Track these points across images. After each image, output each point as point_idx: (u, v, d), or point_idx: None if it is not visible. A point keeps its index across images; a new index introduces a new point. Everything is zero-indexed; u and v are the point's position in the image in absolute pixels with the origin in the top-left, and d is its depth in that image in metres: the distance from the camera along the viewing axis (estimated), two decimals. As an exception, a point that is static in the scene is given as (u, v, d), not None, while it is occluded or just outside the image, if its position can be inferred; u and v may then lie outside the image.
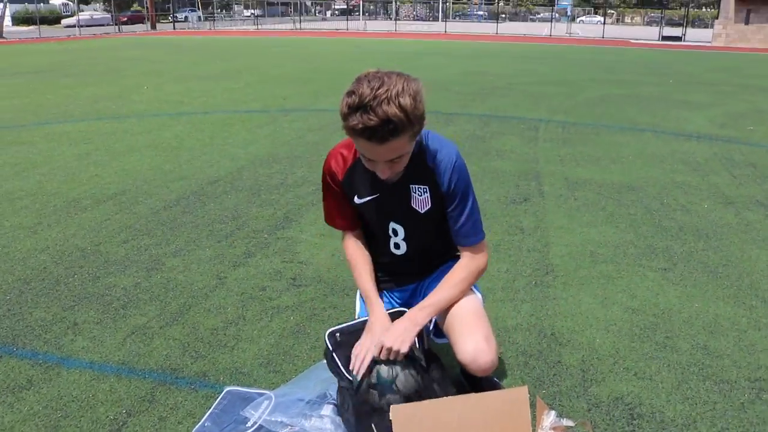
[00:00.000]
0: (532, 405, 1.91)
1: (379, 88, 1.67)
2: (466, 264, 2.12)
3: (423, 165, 2.01)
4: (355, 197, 2.12)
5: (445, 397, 1.86)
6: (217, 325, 2.95)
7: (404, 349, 1.92)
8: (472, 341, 1.95)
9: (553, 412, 1.76)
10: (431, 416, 1.83)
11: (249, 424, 2.16)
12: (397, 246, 2.18)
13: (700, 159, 6.09)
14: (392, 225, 2.14)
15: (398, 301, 2.34)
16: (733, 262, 3.67)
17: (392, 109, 1.67)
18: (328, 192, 2.18)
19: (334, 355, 2.03)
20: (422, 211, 2.07)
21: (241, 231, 4.13)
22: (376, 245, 2.23)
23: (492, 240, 3.98)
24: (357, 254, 2.23)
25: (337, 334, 2.06)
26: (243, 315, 3.05)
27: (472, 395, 1.86)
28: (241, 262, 3.65)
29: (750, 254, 3.78)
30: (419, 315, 2.01)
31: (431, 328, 2.26)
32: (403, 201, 2.07)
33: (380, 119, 1.67)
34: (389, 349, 1.92)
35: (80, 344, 2.79)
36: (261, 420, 2.17)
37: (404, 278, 2.31)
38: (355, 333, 2.05)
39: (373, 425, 1.92)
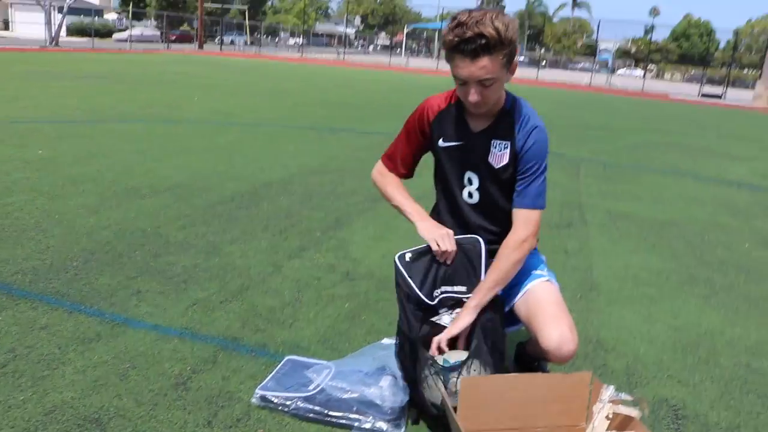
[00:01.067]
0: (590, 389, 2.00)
1: (477, 13, 1.89)
2: (520, 236, 2.17)
3: (510, 123, 2.15)
4: (441, 140, 2.25)
5: (512, 373, 1.97)
6: (275, 305, 3.08)
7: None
8: (558, 330, 2.04)
9: (611, 387, 1.85)
10: (497, 390, 1.94)
11: (311, 387, 2.28)
12: (470, 195, 2.28)
13: (741, 204, 6.15)
14: (468, 174, 2.25)
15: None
16: (775, 296, 3.73)
17: (487, 28, 1.86)
18: (407, 135, 2.32)
19: (405, 275, 2.16)
20: (497, 166, 2.19)
21: (294, 228, 4.28)
22: (452, 194, 2.32)
23: (536, 257, 4.08)
24: (395, 180, 2.38)
25: (408, 255, 2.19)
26: (299, 299, 3.18)
27: (539, 374, 1.97)
28: (295, 254, 3.80)
29: (792, 291, 3.84)
30: (478, 299, 2.13)
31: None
32: (482, 153, 2.20)
33: (474, 33, 1.87)
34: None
35: (144, 309, 2.94)
36: (323, 384, 2.28)
37: (471, 230, 2.34)
38: (424, 254, 2.20)
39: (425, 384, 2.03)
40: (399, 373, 2.25)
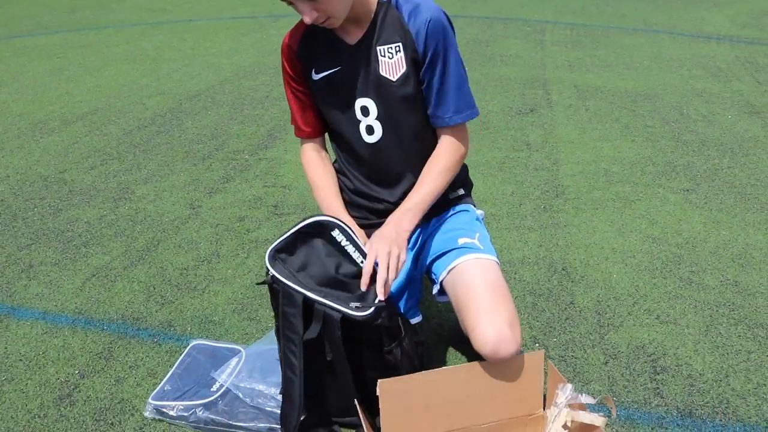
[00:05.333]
0: (546, 372, 1.61)
1: None
2: (448, 149, 1.77)
3: (394, 18, 1.65)
4: (313, 72, 1.74)
5: (444, 367, 1.56)
6: (188, 264, 2.64)
7: (403, 256, 1.62)
8: (493, 328, 1.57)
9: (569, 386, 1.45)
10: (425, 389, 1.54)
11: (214, 388, 1.88)
12: (370, 130, 1.77)
13: (721, 63, 5.61)
14: (360, 102, 1.74)
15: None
16: (763, 181, 3.30)
17: None
18: (290, 88, 1.82)
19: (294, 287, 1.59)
20: (394, 78, 1.68)
21: (219, 152, 3.76)
22: (346, 139, 1.83)
23: (496, 157, 3.61)
24: (319, 170, 1.90)
25: (282, 255, 1.62)
26: (217, 251, 2.73)
27: (477, 363, 1.56)
28: (218, 187, 3.31)
29: (781, 170, 3.42)
30: (403, 220, 1.68)
31: (437, 287, 1.86)
32: (369, 68, 1.69)
33: None
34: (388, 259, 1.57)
35: (34, 290, 2.49)
36: (228, 382, 1.88)
37: (385, 198, 1.86)
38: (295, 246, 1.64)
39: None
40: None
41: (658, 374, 1.98)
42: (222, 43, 6.61)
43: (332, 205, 1.84)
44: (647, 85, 4.98)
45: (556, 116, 4.30)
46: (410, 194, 1.74)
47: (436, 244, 1.86)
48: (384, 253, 1.56)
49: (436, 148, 1.78)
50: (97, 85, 5.16)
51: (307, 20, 1.51)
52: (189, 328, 2.24)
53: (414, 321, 1.89)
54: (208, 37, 6.86)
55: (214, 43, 6.58)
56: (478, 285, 1.67)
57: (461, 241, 1.80)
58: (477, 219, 1.93)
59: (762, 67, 5.45)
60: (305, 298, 1.55)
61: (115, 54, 6.21)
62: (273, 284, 1.62)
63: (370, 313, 1.53)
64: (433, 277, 1.88)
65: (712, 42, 6.39)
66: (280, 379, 1.86)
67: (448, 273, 1.76)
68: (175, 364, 2.02)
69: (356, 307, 1.54)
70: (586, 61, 5.71)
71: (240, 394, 1.84)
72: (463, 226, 1.86)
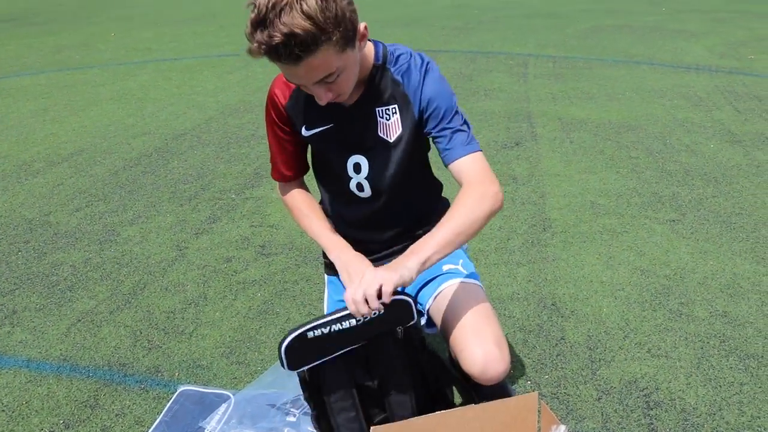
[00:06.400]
0: (539, 412, 1.59)
1: None
2: (474, 187, 1.58)
3: (390, 80, 1.64)
4: (303, 128, 1.71)
5: (435, 413, 1.53)
6: (175, 307, 2.61)
7: (390, 286, 1.45)
8: (481, 348, 1.58)
9: (562, 428, 1.43)
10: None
11: (203, 436, 1.84)
12: (360, 187, 1.75)
13: (701, 93, 5.70)
14: (354, 159, 1.72)
15: None
16: (747, 210, 3.33)
17: (295, 19, 1.29)
18: (273, 133, 1.78)
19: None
20: (391, 139, 1.67)
21: (206, 192, 3.75)
22: (337, 190, 1.81)
23: (482, 193, 3.62)
24: (301, 197, 1.85)
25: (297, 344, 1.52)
26: (204, 293, 2.70)
27: (470, 407, 1.54)
28: (204, 228, 3.29)
29: (764, 200, 3.44)
30: (407, 262, 1.49)
31: (424, 319, 1.86)
32: (368, 129, 1.67)
33: (283, 35, 1.29)
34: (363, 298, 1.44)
35: (18, 337, 2.45)
36: (217, 431, 1.84)
37: (374, 240, 1.86)
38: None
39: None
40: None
41: (652, 409, 1.96)
42: (207, 81, 6.64)
43: (320, 226, 1.78)
44: (630, 116, 5.03)
45: (541, 149, 4.33)
46: (423, 238, 1.57)
47: (420, 276, 1.86)
48: (357, 299, 1.44)
49: (464, 185, 1.62)
50: (83, 126, 5.16)
51: (323, 102, 1.50)
52: (177, 374, 2.21)
53: None
54: (193, 76, 6.89)
55: (200, 82, 6.61)
56: (463, 308, 1.68)
57: (445, 267, 1.82)
58: (461, 249, 1.94)
59: (741, 96, 5.54)
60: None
61: (101, 94, 6.21)
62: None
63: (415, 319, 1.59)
64: (420, 307, 1.87)
65: (691, 72, 6.50)
66: (270, 425, 1.83)
67: (434, 300, 1.77)
68: (163, 411, 1.99)
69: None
70: (569, 93, 5.78)
71: (229, 442, 1.80)
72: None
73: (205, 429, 1.85)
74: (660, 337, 2.31)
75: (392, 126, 1.66)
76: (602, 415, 1.95)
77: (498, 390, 1.77)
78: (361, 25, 1.45)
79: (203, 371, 2.21)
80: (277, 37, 1.29)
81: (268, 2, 1.28)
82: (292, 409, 1.89)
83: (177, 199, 3.67)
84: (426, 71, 1.63)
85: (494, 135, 4.63)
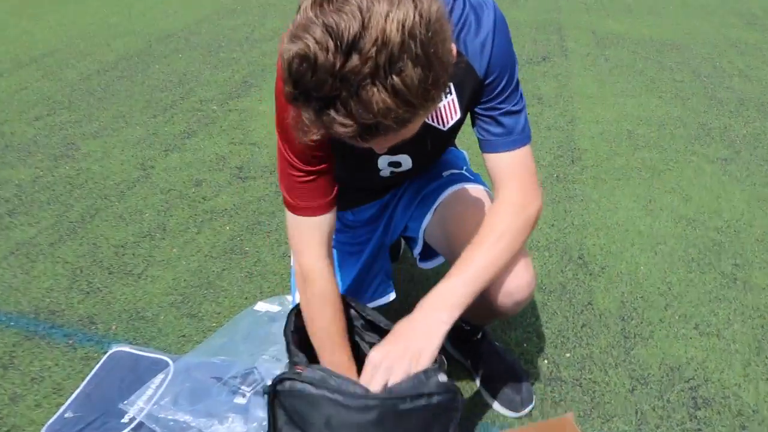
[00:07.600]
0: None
1: (355, 65, 0.77)
2: (510, 205, 1.19)
3: None
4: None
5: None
6: (126, 240, 2.19)
7: (420, 366, 1.04)
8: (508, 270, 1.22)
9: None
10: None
11: (125, 419, 1.45)
12: (390, 174, 1.35)
13: (757, 10, 5.04)
14: (390, 158, 1.29)
15: (352, 220, 1.53)
16: (814, 148, 2.83)
17: (381, 96, 0.79)
18: (300, 153, 1.15)
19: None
20: (446, 127, 1.22)
21: (184, 101, 3.26)
22: (358, 177, 1.37)
23: (501, 115, 3.12)
24: (331, 312, 1.22)
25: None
26: (163, 224, 2.27)
27: None
28: (176, 144, 2.83)
29: (834, 137, 2.93)
30: (444, 313, 1.09)
31: (417, 253, 1.50)
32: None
33: (363, 124, 0.82)
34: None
35: (-62, 270, 2.05)
36: (144, 414, 1.45)
37: (377, 190, 1.50)
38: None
39: None
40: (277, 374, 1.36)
41: (699, 409, 1.54)
42: (206, -24, 6.01)
43: (340, 359, 1.22)
44: (674, 34, 4.43)
45: (571, 66, 3.79)
46: (450, 273, 1.14)
47: (412, 192, 1.47)
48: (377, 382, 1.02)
49: (500, 190, 1.21)
50: (61, 24, 4.62)
51: (381, 152, 1.09)
52: (114, 326, 1.80)
53: (385, 300, 1.51)
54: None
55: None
56: (475, 219, 1.22)
57: (446, 173, 1.45)
58: (462, 157, 1.57)
59: (803, 15, 4.89)
60: None
61: (87, -14, 5.63)
62: None
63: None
64: (412, 234, 1.47)
65: (746, -14, 5.80)
66: (211, 408, 1.44)
67: (434, 213, 1.39)
68: (86, 379, 1.59)
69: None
70: (605, 4, 5.15)
71: (158, 429, 1.41)
72: (446, 161, 1.49)
73: (127, 412, 1.46)
74: (710, 309, 1.87)
75: (447, 110, 1.19)
76: (637, 412, 1.53)
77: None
78: (454, 52, 0.89)
79: (145, 325, 1.81)
80: (351, 128, 0.82)
81: (333, 68, 0.77)
82: (242, 387, 1.50)
83: (151, 109, 3.19)
84: (495, 28, 1.12)
85: (519, 48, 4.06)
